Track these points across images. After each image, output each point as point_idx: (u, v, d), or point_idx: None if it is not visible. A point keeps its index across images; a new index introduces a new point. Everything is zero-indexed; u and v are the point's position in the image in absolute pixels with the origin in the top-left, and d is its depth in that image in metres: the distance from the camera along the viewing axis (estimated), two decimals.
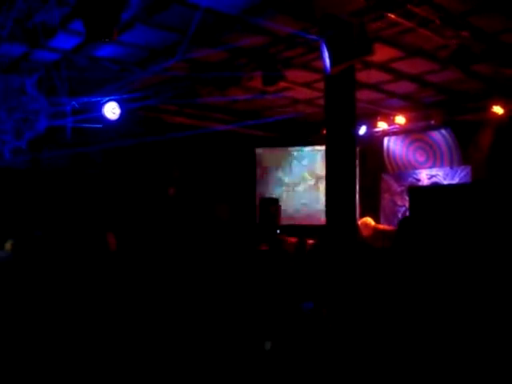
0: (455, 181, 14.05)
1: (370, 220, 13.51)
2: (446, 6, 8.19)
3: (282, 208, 15.66)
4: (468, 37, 8.88)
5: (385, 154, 15.96)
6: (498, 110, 12.63)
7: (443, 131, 14.48)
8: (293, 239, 11.46)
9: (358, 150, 10.98)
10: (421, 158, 15.11)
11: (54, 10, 7.62)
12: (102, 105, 11.49)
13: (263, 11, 8.46)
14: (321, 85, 10.87)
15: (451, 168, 14.35)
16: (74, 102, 10.92)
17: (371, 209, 15.21)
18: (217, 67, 10.77)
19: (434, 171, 14.72)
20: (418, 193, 9.46)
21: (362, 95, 12.15)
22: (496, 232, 6.98)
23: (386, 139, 15.88)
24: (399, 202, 15.29)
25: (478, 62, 9.50)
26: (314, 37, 8.94)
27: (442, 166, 14.60)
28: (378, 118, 14.74)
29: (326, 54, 8.60)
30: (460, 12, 8.42)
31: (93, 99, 11.32)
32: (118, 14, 6.19)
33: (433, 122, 14.04)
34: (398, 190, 15.43)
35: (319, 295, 4.33)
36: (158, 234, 12.24)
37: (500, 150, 12.85)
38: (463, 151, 14.13)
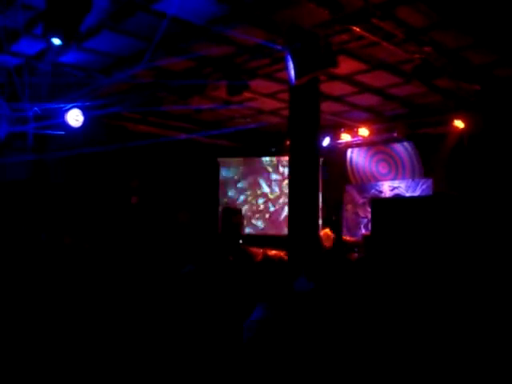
0: (417, 193, 14.23)
1: (330, 231, 13.59)
2: (409, 22, 8.30)
3: (245, 218, 15.69)
4: (430, 52, 9.01)
5: (348, 166, 16.09)
6: (459, 124, 12.83)
7: (406, 144, 14.67)
8: (255, 249, 11.40)
9: (321, 161, 11.05)
10: (383, 169, 15.27)
11: (18, 14, 7.53)
12: (64, 111, 11.34)
13: (230, 21, 8.47)
14: (285, 95, 10.94)
15: (413, 180, 14.53)
16: (36, 108, 10.77)
17: (334, 220, 15.30)
18: (182, 76, 10.75)
19: (396, 183, 14.89)
20: (380, 204, 9.54)
21: (326, 107, 12.24)
22: (454, 242, 7.08)
23: (349, 151, 16.02)
24: (362, 214, 15.42)
25: (440, 76, 9.64)
26: (279, 47, 8.98)
27: (404, 178, 14.78)
28: (342, 130, 14.84)
29: (291, 65, 8.64)
30: (422, 27, 8.55)
31: (56, 106, 11.18)
32: (84, 15, 6.11)
33: (395, 134, 14.18)
34: (361, 201, 15.56)
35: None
36: (121, 242, 12.12)
37: (460, 163, 13.03)
38: (425, 164, 14.33)
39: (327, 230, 13.47)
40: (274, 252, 10.59)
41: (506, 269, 6.19)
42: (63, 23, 6.12)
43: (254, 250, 11.42)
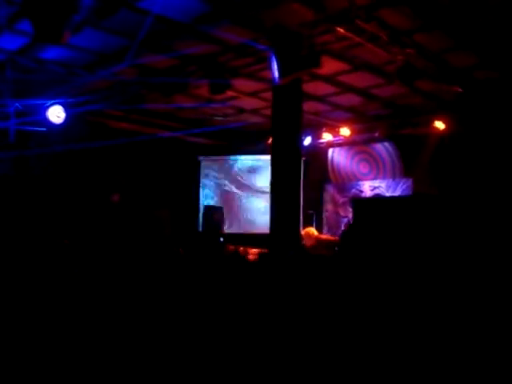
0: (397, 193, 14.30)
1: (312, 230, 13.61)
2: (392, 24, 8.37)
3: (225, 216, 15.66)
4: (413, 54, 9.09)
5: (329, 165, 16.12)
6: (439, 125, 12.96)
7: (386, 144, 14.73)
8: (232, 247, 11.46)
9: (302, 160, 11.08)
10: (364, 169, 15.33)
11: (1, 9, 7.48)
12: (46, 108, 11.28)
13: (214, 20, 8.48)
14: (267, 95, 10.99)
15: (393, 180, 14.60)
16: (17, 104, 10.71)
17: (309, 214, 15.29)
18: (166, 74, 10.73)
19: (376, 183, 14.95)
20: (360, 204, 9.62)
21: (309, 106, 12.26)
22: (434, 242, 7.16)
23: (330, 150, 16.05)
24: (342, 213, 15.45)
25: (422, 78, 9.72)
26: (263, 47, 9.02)
27: (384, 178, 14.84)
28: (324, 130, 14.91)
29: (275, 65, 8.69)
30: (405, 29, 8.62)
31: (37, 102, 11.12)
32: (69, 16, 6.07)
33: (377, 134, 14.27)
34: (341, 200, 15.60)
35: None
36: (103, 239, 12.08)
37: (440, 163, 13.14)
38: (405, 164, 14.39)
39: (309, 229, 13.50)
40: (254, 250, 10.65)
41: (485, 267, 6.28)
42: (52, 27, 6.07)
43: (230, 247, 11.48)
